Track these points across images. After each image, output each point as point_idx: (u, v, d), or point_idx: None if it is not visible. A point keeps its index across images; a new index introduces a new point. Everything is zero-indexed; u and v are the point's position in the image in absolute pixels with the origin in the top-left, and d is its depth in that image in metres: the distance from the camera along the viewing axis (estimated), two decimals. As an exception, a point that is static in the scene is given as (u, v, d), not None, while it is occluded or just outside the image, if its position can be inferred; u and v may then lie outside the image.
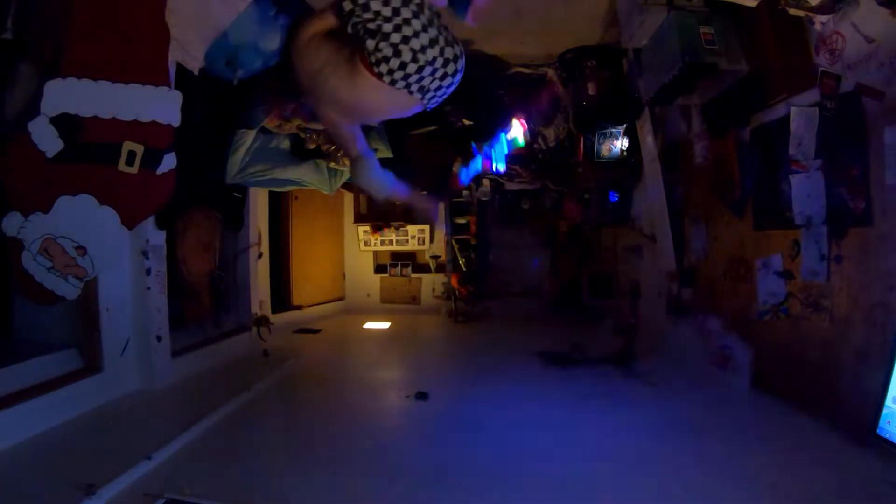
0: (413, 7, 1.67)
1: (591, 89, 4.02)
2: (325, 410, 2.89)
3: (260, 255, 4.51)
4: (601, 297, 5.45)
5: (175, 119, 2.34)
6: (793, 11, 2.41)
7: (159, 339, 2.89)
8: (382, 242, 6.44)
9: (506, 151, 5.09)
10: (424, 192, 5.68)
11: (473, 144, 4.82)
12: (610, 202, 4.82)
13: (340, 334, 5.13)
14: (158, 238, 2.91)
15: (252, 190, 4.21)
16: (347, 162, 4.18)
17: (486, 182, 5.75)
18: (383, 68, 1.68)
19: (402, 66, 1.68)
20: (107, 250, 2.27)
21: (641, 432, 2.46)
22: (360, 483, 1.96)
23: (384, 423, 2.76)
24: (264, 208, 4.77)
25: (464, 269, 5.94)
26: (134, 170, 2.26)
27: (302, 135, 3.91)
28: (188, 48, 2.61)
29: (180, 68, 2.62)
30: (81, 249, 2.18)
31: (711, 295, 3.46)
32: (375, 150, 4.15)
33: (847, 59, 2.26)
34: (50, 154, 2.04)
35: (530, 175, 5.37)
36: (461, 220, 6.02)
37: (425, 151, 5.01)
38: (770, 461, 2.07)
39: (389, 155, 4.24)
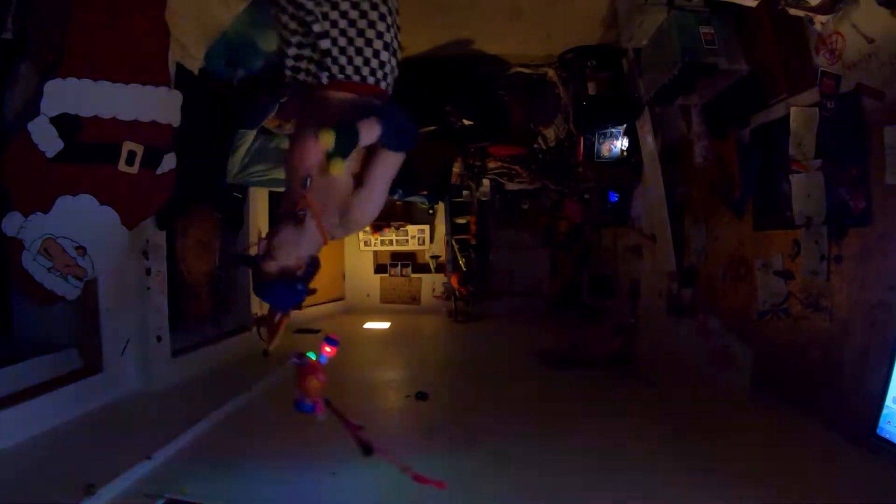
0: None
1: (591, 89, 4.02)
2: (324, 410, 2.88)
3: (260, 255, 4.51)
4: (601, 297, 5.45)
5: (175, 119, 2.35)
6: (793, 11, 2.40)
7: (159, 339, 2.89)
8: (382, 242, 6.44)
9: None
10: (425, 192, 5.69)
11: None
12: (610, 202, 4.82)
13: (340, 334, 5.09)
14: (158, 238, 2.91)
15: (252, 190, 4.20)
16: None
17: (486, 182, 5.75)
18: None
19: None
20: (107, 250, 2.27)
21: (641, 432, 2.46)
22: (361, 483, 1.96)
23: (384, 423, 2.76)
24: (264, 208, 4.75)
25: (464, 269, 5.94)
26: (134, 170, 2.26)
27: (302, 135, 3.91)
28: (188, 48, 2.61)
29: (180, 68, 2.62)
30: (81, 249, 2.18)
31: (711, 295, 3.46)
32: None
33: (847, 59, 2.26)
34: (50, 154, 2.04)
35: (530, 175, 5.36)
36: (461, 220, 6.01)
37: (425, 151, 5.01)
38: (770, 461, 2.07)
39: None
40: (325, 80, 1.51)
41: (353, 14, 1.48)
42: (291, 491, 1.88)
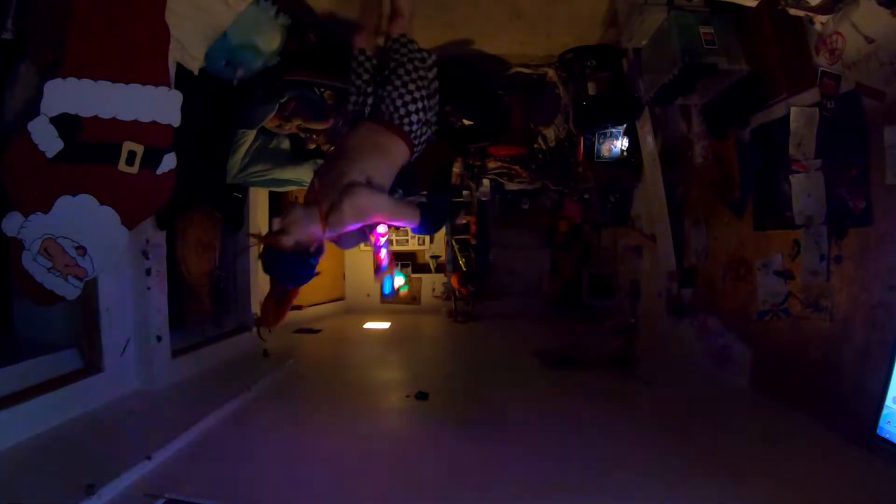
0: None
1: (591, 89, 4.02)
2: (325, 410, 2.89)
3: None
4: (601, 297, 5.45)
5: (175, 119, 2.34)
6: (793, 11, 2.41)
7: (159, 339, 2.88)
8: (382, 242, 6.44)
9: None
10: (425, 192, 5.68)
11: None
12: (610, 202, 4.82)
13: (340, 334, 5.13)
14: (158, 238, 2.91)
15: (252, 190, 4.20)
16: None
17: (486, 182, 5.75)
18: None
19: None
20: (107, 250, 2.27)
21: (641, 432, 2.46)
22: (361, 483, 1.96)
23: (384, 423, 2.76)
24: (264, 208, 4.76)
25: (464, 269, 5.94)
26: (134, 170, 2.26)
27: (302, 135, 3.91)
28: (188, 48, 2.61)
29: (180, 68, 2.62)
30: (81, 249, 2.18)
31: (711, 295, 3.46)
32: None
33: (847, 59, 2.26)
34: (50, 154, 2.04)
35: (530, 175, 5.36)
36: (461, 220, 6.02)
37: (425, 152, 5.00)
38: (770, 461, 2.07)
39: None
40: (365, 114, 2.23)
41: (390, 85, 2.16)
42: (292, 491, 1.88)
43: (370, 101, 2.23)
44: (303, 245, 1.77)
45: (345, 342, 4.86)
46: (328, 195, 1.80)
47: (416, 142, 2.21)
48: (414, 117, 2.13)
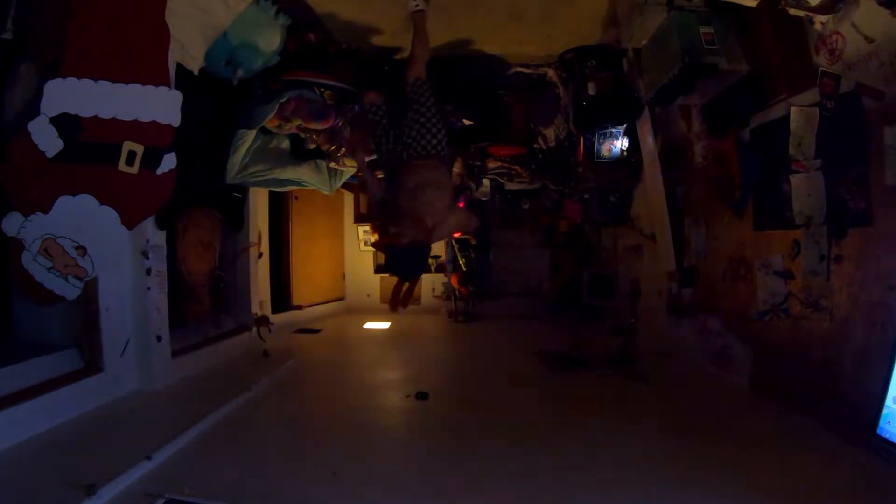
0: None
1: (591, 89, 4.02)
2: (325, 410, 2.89)
3: (260, 255, 4.52)
4: (601, 297, 5.45)
5: (175, 119, 2.35)
6: (793, 11, 2.40)
7: (159, 339, 2.89)
8: (382, 242, 6.43)
9: None
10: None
11: None
12: (610, 202, 4.82)
13: (340, 334, 5.13)
14: (158, 238, 2.91)
15: (252, 190, 4.21)
16: (348, 162, 4.19)
17: (486, 182, 5.75)
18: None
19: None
20: (107, 250, 2.28)
21: (640, 432, 2.46)
22: (361, 483, 1.96)
23: (384, 423, 2.76)
24: (264, 208, 4.76)
25: (464, 269, 5.94)
26: (134, 170, 2.26)
27: (302, 135, 3.91)
28: (188, 48, 2.61)
29: (180, 68, 2.62)
30: (81, 249, 2.18)
31: (711, 295, 3.46)
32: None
33: (847, 59, 2.26)
34: (50, 154, 2.04)
35: (530, 175, 5.36)
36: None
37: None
38: (769, 461, 2.07)
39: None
40: (405, 157, 2.58)
41: (415, 126, 2.56)
42: (292, 491, 1.88)
43: (400, 143, 2.62)
44: (419, 243, 2.49)
45: (345, 342, 4.87)
46: (431, 215, 2.42)
47: (446, 159, 2.72)
48: (444, 143, 2.61)
